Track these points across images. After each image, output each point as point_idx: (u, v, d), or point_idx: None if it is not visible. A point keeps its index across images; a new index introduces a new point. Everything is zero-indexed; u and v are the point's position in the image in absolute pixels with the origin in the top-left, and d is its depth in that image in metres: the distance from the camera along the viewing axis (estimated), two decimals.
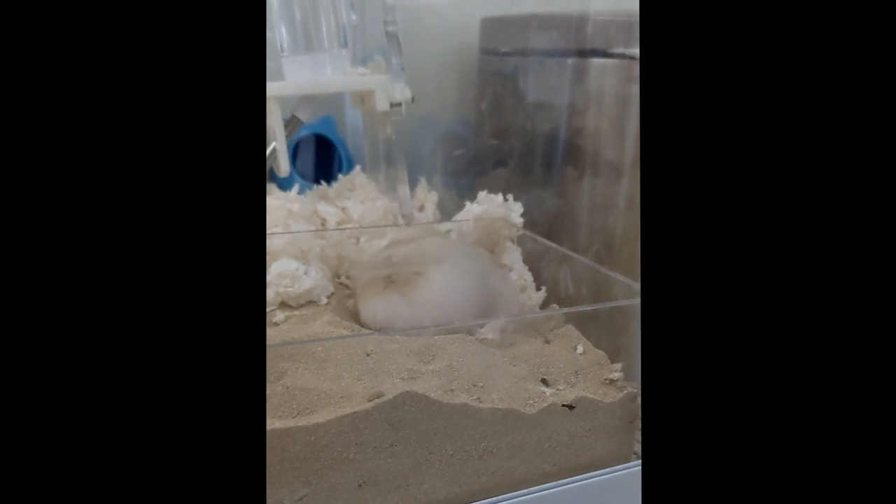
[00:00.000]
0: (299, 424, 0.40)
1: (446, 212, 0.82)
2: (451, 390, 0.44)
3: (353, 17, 0.69)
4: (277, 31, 0.64)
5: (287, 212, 0.63)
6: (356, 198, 0.70)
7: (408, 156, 0.72)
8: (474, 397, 0.44)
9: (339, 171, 0.96)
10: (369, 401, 0.42)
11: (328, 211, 0.67)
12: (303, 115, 0.67)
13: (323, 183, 0.76)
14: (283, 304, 0.55)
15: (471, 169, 1.00)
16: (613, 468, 0.48)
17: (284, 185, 0.89)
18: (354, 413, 0.41)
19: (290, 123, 0.67)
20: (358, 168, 0.79)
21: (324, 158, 1.03)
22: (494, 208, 0.66)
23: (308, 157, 1.05)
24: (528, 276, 0.63)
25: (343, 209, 0.69)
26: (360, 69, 0.67)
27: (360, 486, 0.42)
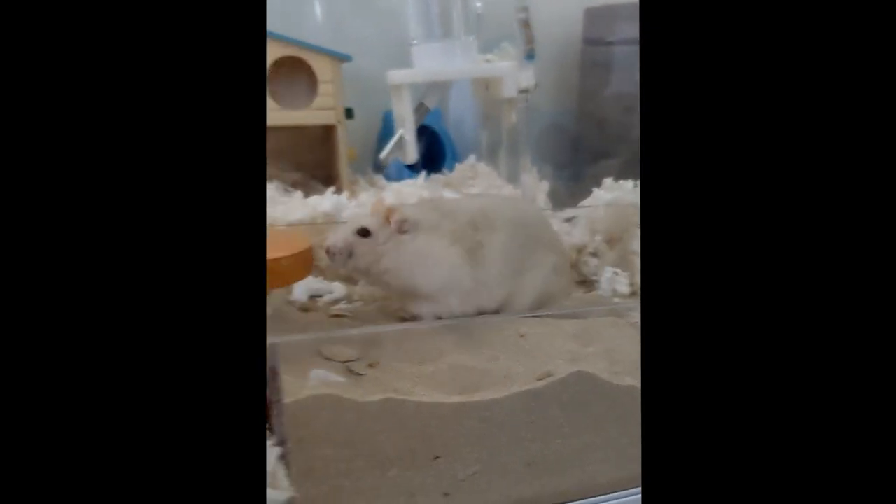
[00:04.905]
0: (474, 400, 0.40)
1: (557, 200, 0.81)
2: (616, 373, 0.44)
3: (479, 4, 0.69)
4: (410, 20, 0.65)
5: (419, 198, 0.64)
6: (479, 185, 0.70)
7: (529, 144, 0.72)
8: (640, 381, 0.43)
9: (443, 161, 0.97)
10: (539, 379, 0.42)
11: (452, 197, 0.68)
12: (430, 103, 0.68)
13: (445, 171, 0.77)
14: None
15: (575, 159, 0.99)
16: None
17: (392, 175, 0.91)
18: (527, 391, 0.41)
19: (418, 111, 0.68)
20: (473, 157, 0.80)
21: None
22: (625, 194, 0.65)
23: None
24: None
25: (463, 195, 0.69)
26: (488, 56, 0.67)
27: (528, 465, 0.42)
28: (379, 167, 0.96)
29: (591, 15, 0.99)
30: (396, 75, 0.64)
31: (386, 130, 0.99)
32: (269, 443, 0.34)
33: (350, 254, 0.47)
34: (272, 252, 0.42)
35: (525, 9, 0.63)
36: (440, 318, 0.49)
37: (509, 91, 0.65)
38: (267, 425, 0.36)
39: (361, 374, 0.43)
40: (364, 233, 0.48)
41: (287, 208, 0.60)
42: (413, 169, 0.89)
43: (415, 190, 0.66)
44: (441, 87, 0.67)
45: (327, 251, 0.48)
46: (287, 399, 0.36)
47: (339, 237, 0.48)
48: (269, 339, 0.35)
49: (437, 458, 0.40)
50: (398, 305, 0.53)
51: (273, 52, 0.83)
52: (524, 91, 0.66)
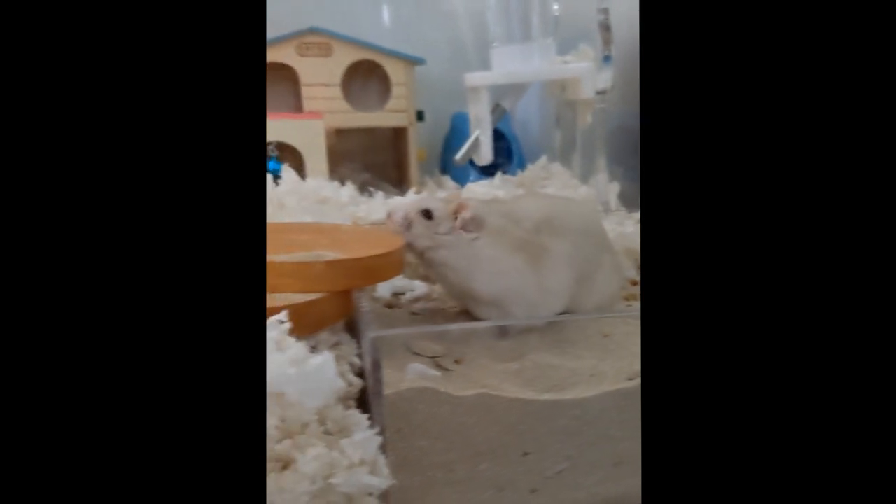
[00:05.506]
0: (566, 398, 0.40)
1: (627, 201, 0.81)
2: None
3: (556, 7, 0.69)
4: (490, 22, 0.66)
5: (493, 198, 0.65)
6: (554, 186, 0.70)
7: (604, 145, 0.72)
8: None
9: (510, 163, 0.98)
10: (629, 379, 0.42)
11: (519, 195, 0.68)
12: (507, 104, 0.69)
13: (519, 172, 0.78)
14: None
15: None
16: None
17: (460, 178, 0.92)
18: (617, 390, 0.41)
19: (495, 112, 0.69)
20: (545, 158, 0.80)
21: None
22: None
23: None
24: None
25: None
26: (566, 57, 0.67)
27: (616, 464, 0.42)
28: (446, 168, 0.98)
29: None
30: (474, 77, 0.65)
31: (454, 132, 1.01)
32: (371, 432, 0.36)
33: (408, 227, 0.47)
34: (368, 250, 0.43)
35: (605, 10, 0.63)
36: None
37: (587, 92, 0.65)
38: (367, 415, 0.37)
39: (449, 370, 0.44)
40: (427, 214, 0.47)
41: (369, 208, 0.61)
42: (483, 170, 0.90)
43: (489, 190, 0.67)
44: (518, 89, 0.68)
45: (388, 216, 0.48)
46: (387, 391, 0.37)
47: (402, 207, 0.48)
48: (372, 333, 0.36)
49: (527, 454, 0.40)
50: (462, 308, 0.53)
51: (348, 56, 0.85)
52: (601, 92, 0.66)
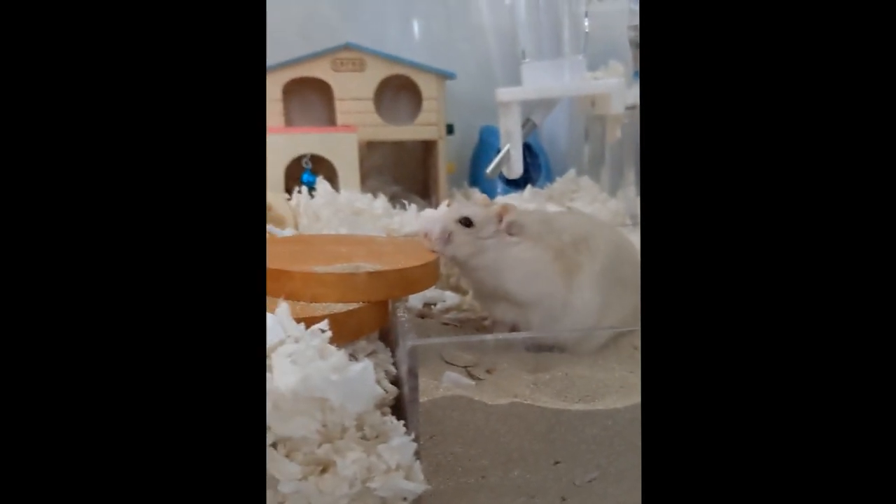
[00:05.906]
0: (598, 408, 0.41)
1: None
2: None
3: (586, 23, 0.71)
4: (521, 38, 0.67)
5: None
6: (582, 199, 0.71)
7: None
8: None
9: (538, 176, 0.99)
10: None
11: (558, 211, 0.69)
12: (537, 119, 0.70)
13: (548, 185, 0.79)
14: None
15: None
16: None
17: (489, 191, 0.93)
18: None
19: (525, 127, 0.70)
20: (573, 171, 0.81)
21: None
22: None
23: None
24: None
25: (569, 209, 0.71)
26: (596, 73, 0.68)
27: None
28: (474, 181, 0.99)
29: None
30: (506, 93, 0.66)
31: (482, 145, 1.02)
32: (407, 438, 0.37)
33: (448, 241, 0.48)
34: (406, 261, 0.45)
35: (636, 27, 0.64)
36: (516, 329, 0.50)
37: (616, 108, 0.66)
38: (403, 422, 0.38)
39: (481, 379, 0.45)
40: (466, 222, 0.48)
41: (402, 220, 0.63)
42: (511, 183, 0.91)
43: (519, 203, 0.68)
44: (548, 104, 0.69)
45: (424, 235, 0.48)
46: (422, 398, 0.38)
47: (438, 223, 0.48)
48: (411, 342, 0.38)
49: (558, 462, 0.41)
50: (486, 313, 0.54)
51: (381, 71, 0.87)
52: (631, 108, 0.67)
